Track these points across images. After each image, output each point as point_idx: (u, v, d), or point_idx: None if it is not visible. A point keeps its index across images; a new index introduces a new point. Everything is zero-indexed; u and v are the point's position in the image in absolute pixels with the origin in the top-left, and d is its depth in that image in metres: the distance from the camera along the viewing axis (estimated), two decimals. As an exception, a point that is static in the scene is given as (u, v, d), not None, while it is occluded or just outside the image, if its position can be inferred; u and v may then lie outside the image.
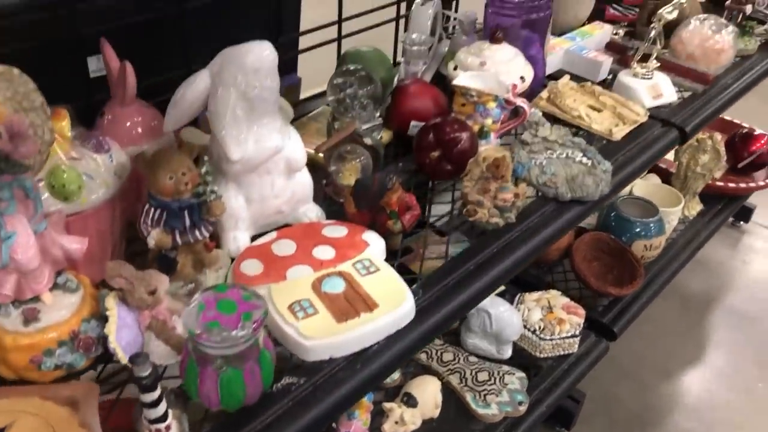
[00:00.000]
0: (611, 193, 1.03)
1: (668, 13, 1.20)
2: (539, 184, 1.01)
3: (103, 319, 0.70)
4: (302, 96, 1.34)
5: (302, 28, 1.27)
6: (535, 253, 0.93)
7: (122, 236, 0.84)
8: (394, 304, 0.77)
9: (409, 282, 0.81)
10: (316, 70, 1.36)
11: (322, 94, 1.27)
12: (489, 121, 1.05)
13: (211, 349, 0.63)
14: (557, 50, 1.34)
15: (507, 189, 0.94)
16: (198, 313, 0.63)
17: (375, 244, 0.86)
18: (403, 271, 0.84)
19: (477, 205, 0.93)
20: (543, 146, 1.08)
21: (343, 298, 0.77)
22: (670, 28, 1.33)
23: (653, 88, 1.26)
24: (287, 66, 1.27)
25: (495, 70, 1.10)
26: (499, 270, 0.89)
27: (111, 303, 0.69)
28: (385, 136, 1.10)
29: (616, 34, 1.52)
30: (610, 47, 1.45)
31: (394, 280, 0.81)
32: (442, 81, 1.24)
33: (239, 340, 0.62)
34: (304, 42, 1.30)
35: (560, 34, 1.43)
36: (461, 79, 1.04)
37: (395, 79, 1.22)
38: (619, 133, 1.15)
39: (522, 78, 1.12)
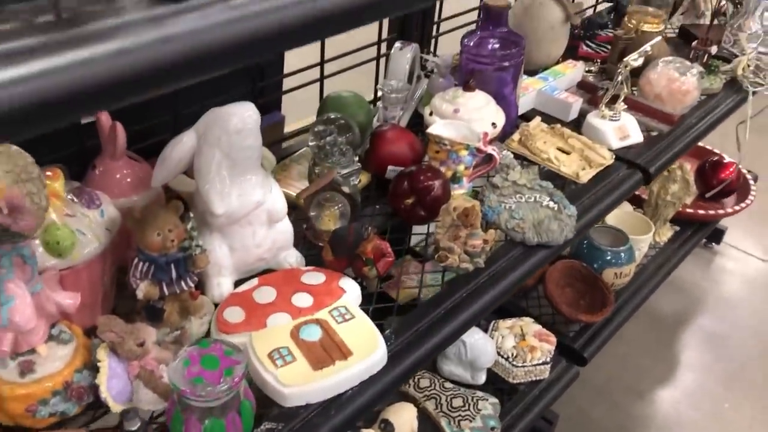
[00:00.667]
0: (575, 236, 1.09)
1: (634, 60, 1.27)
2: (508, 228, 1.07)
3: (95, 369, 0.75)
4: (287, 129, 1.40)
5: (286, 67, 1.33)
6: (502, 297, 0.99)
7: (112, 282, 0.89)
8: (367, 351, 0.83)
9: (387, 312, 0.87)
10: (299, 102, 1.41)
11: (306, 130, 1.33)
12: (461, 168, 1.10)
13: (196, 402, 0.68)
14: (530, 91, 1.40)
15: (477, 235, 1.00)
16: (183, 369, 0.69)
17: (351, 291, 0.92)
18: (383, 298, 0.90)
19: (448, 251, 0.98)
20: (513, 190, 1.14)
21: (319, 346, 0.83)
22: (638, 68, 1.39)
23: (620, 130, 1.32)
24: (271, 105, 1.33)
25: (468, 117, 1.16)
26: (468, 314, 0.94)
27: (102, 355, 0.75)
28: (364, 178, 1.16)
29: (588, 71, 1.58)
30: (582, 86, 1.51)
31: (368, 327, 0.86)
32: (419, 120, 1.30)
33: (221, 394, 0.68)
34: (287, 81, 1.35)
35: (534, 72, 1.49)
36: (435, 128, 1.10)
37: (374, 120, 1.28)
38: (586, 176, 1.21)
39: (494, 124, 1.18)
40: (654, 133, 1.38)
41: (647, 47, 1.27)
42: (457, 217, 0.99)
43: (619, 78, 1.30)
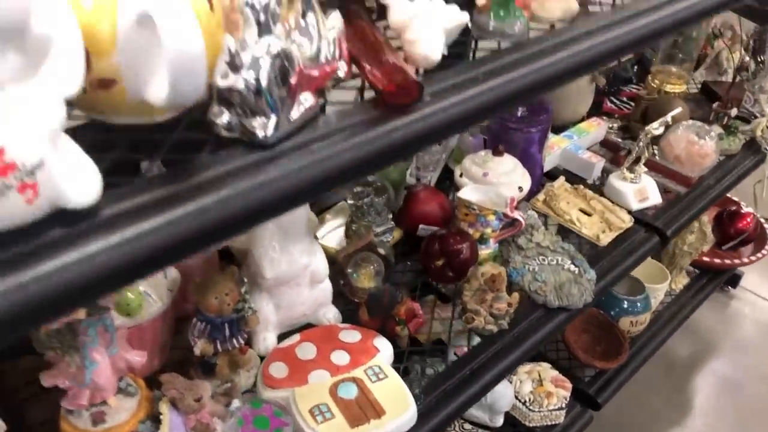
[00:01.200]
0: (594, 300, 1.16)
1: (655, 129, 1.34)
2: (531, 290, 1.15)
3: (156, 420, 0.84)
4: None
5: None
6: (525, 357, 1.07)
7: (171, 333, 0.98)
8: (399, 410, 0.91)
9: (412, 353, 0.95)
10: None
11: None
12: (488, 230, 1.19)
13: (248, 458, 0.77)
14: (555, 149, 1.48)
15: (502, 299, 1.08)
16: (237, 428, 0.78)
17: (384, 350, 1.00)
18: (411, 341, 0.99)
19: (474, 314, 1.07)
20: (536, 251, 1.22)
21: (355, 404, 0.91)
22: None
23: (640, 192, 1.39)
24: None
25: (496, 180, 1.24)
26: (493, 374, 1.02)
27: (164, 408, 0.83)
28: (396, 234, 1.24)
29: (611, 128, 1.65)
30: (605, 144, 1.59)
31: (399, 387, 0.95)
32: (449, 174, 1.39)
33: (271, 452, 0.77)
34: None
35: (561, 129, 1.57)
36: (464, 193, 1.18)
37: (407, 175, 1.37)
38: (606, 239, 1.29)
39: (520, 188, 1.26)
40: (672, 195, 1.45)
41: (668, 118, 1.35)
42: (485, 282, 1.07)
43: (641, 143, 1.38)
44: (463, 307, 1.09)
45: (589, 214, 1.35)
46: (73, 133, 0.47)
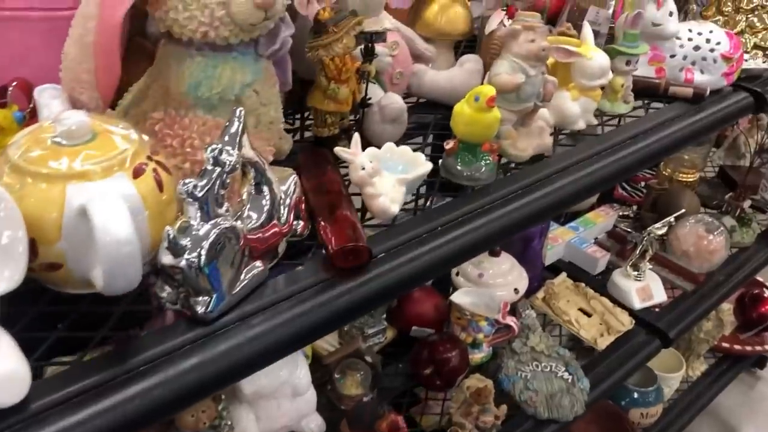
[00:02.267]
0: (585, 411, 1.14)
1: (658, 230, 1.32)
2: (521, 400, 1.14)
3: None
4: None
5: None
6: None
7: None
8: None
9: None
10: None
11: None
12: (480, 336, 1.18)
13: None
14: (559, 242, 1.47)
15: (488, 412, 1.07)
16: None
17: (364, 465, 1.00)
18: (409, 423, 0.98)
19: (459, 427, 1.06)
20: (531, 356, 1.21)
21: None
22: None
23: (643, 291, 1.37)
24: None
25: (492, 282, 1.24)
26: (473, 492, 1.01)
27: None
28: (390, 334, 1.24)
29: (623, 216, 1.64)
30: (613, 234, 1.57)
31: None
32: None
33: None
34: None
35: (568, 216, 1.56)
36: (457, 297, 1.18)
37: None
38: (603, 343, 1.27)
39: (516, 290, 1.25)
40: (679, 292, 1.43)
41: (671, 219, 1.33)
42: (470, 395, 1.06)
43: (644, 242, 1.36)
44: (449, 418, 1.08)
45: (589, 315, 1.33)
46: (22, 300, 0.50)
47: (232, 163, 0.56)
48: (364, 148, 0.76)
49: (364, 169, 0.68)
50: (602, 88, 0.93)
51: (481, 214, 0.73)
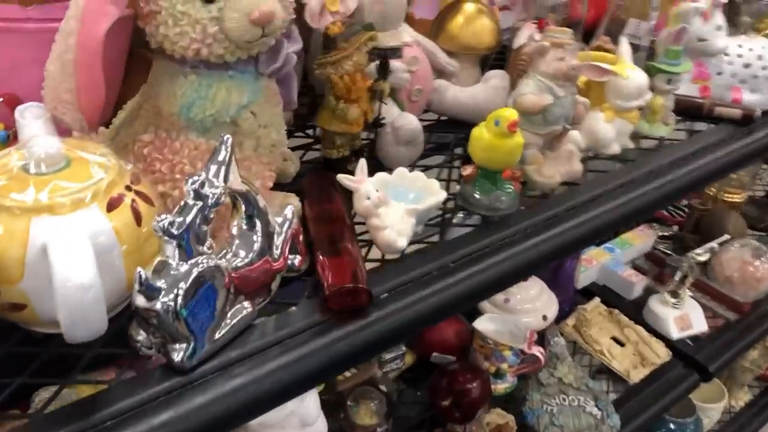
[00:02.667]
0: (616, 451, 1.07)
1: (699, 256, 1.24)
2: (544, 437, 1.07)
3: None
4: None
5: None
6: None
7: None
8: None
9: None
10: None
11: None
12: (505, 366, 1.11)
13: None
14: (593, 264, 1.39)
15: (508, 449, 1.00)
16: None
17: (374, 503, 0.94)
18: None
19: (477, 465, 0.99)
20: (558, 389, 1.13)
21: None
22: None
23: (682, 319, 1.28)
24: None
25: (519, 307, 1.17)
26: None
27: None
28: (409, 359, 1.18)
29: (662, 236, 1.55)
30: (650, 257, 1.48)
31: None
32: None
33: None
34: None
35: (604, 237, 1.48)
36: (480, 323, 1.12)
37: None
38: (637, 375, 1.19)
39: (545, 317, 1.18)
40: (721, 321, 1.34)
41: (714, 245, 1.24)
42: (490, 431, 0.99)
43: (684, 267, 1.27)
44: (467, 455, 1.02)
45: (622, 344, 1.25)
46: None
47: (216, 197, 0.50)
48: (378, 171, 0.71)
49: (369, 198, 0.62)
50: (640, 108, 0.85)
51: (499, 248, 0.67)
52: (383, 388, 1.04)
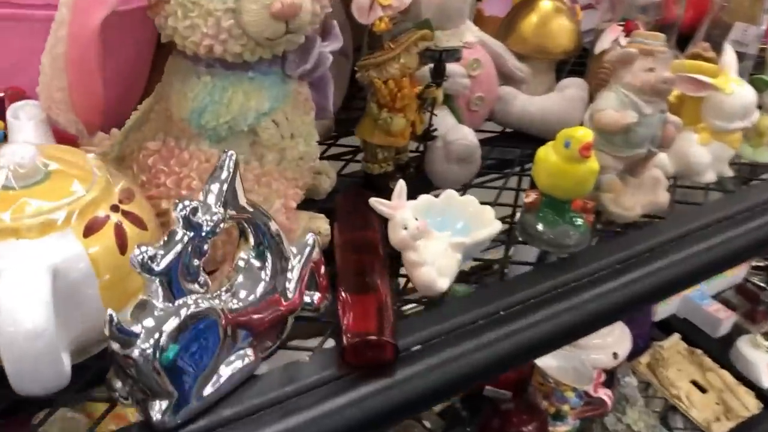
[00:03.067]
0: None
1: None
2: (607, 494, 0.94)
3: None
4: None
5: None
6: None
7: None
8: None
9: None
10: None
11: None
12: (566, 407, 0.99)
13: None
14: (675, 294, 1.25)
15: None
16: None
17: None
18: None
19: None
20: (625, 437, 1.01)
21: None
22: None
23: (776, 367, 1.13)
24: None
25: (586, 342, 1.04)
26: None
27: None
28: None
29: (756, 267, 1.38)
30: (741, 290, 1.32)
31: None
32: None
33: None
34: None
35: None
36: (541, 359, 1.00)
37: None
38: (719, 429, 1.05)
39: (615, 354, 1.05)
40: (822, 371, 1.17)
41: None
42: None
43: (783, 308, 1.12)
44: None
45: (703, 390, 1.11)
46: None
47: (211, 225, 0.42)
48: (426, 189, 0.61)
49: (406, 228, 0.52)
50: (743, 130, 0.72)
51: (563, 294, 0.56)
52: (427, 424, 0.94)
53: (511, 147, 0.77)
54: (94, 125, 0.51)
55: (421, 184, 0.67)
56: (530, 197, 0.60)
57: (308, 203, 0.62)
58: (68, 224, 0.41)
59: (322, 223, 0.58)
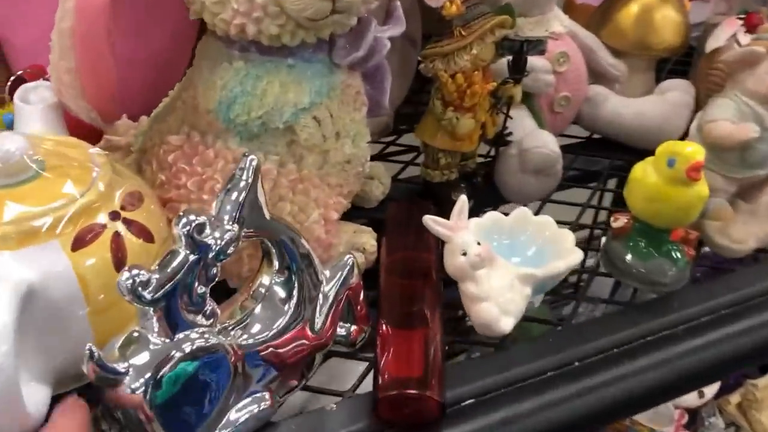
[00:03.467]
0: None
1: None
2: None
3: None
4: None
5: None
6: None
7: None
8: None
9: None
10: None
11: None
12: (641, 450, 0.88)
13: None
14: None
15: None
16: None
17: None
18: None
19: None
20: (707, 488, 0.89)
21: None
22: None
23: None
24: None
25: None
26: None
27: None
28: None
29: None
30: None
31: None
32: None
33: None
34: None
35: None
36: (617, 393, 0.89)
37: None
38: (819, 488, 0.91)
39: (701, 393, 0.93)
40: None
41: None
42: None
43: None
44: None
45: (802, 440, 0.97)
46: None
47: (221, 246, 0.34)
48: (491, 206, 0.52)
49: (465, 254, 0.43)
50: None
51: (654, 345, 0.46)
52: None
53: (598, 156, 0.67)
54: (108, 113, 0.44)
55: (489, 196, 0.57)
56: (619, 221, 0.50)
57: (354, 212, 0.54)
58: (53, 233, 0.34)
59: (368, 238, 0.50)
